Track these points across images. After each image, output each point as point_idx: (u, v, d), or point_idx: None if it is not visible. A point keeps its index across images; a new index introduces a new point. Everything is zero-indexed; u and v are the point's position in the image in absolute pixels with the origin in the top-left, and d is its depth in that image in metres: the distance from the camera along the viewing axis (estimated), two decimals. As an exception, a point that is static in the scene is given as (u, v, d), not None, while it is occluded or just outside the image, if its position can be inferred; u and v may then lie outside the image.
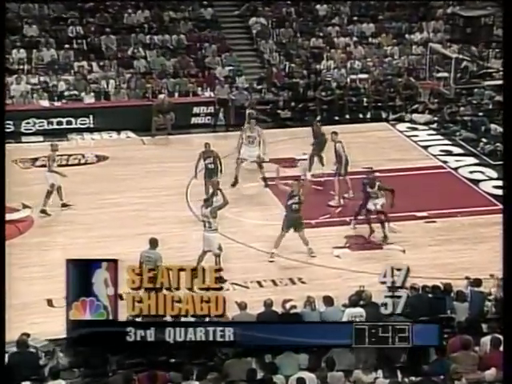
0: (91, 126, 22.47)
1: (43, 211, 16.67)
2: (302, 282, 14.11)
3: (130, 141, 21.81)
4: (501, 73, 21.93)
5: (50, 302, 13.20)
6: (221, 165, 17.23)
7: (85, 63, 24.19)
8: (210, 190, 15.58)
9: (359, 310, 11.62)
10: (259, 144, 18.11)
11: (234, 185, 17.90)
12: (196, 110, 23.13)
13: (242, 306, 11.76)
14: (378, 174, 17.09)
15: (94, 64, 24.30)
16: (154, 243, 13.01)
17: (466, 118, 22.92)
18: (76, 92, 23.16)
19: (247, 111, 21.73)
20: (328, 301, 11.83)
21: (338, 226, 16.15)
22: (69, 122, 22.23)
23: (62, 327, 10.33)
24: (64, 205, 16.94)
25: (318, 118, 19.55)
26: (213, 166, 17.03)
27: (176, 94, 23.64)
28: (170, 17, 26.33)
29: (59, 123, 22.07)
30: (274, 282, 14.11)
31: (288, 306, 12.04)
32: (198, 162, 17.07)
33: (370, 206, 15.43)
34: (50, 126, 22.04)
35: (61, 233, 15.93)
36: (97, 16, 25.76)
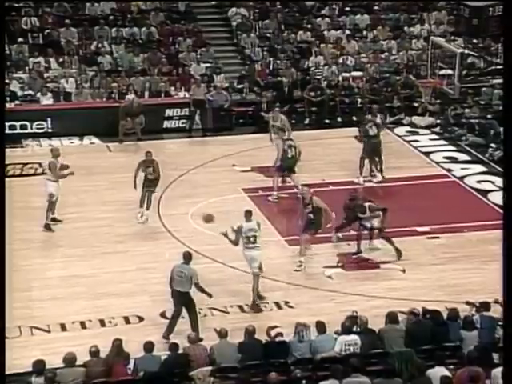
0: (49, 130, 22.46)
1: (47, 226, 16.72)
2: (290, 307, 14.13)
3: (94, 147, 21.80)
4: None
5: None
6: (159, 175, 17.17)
7: (41, 59, 24.19)
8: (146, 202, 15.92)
9: (353, 338, 11.67)
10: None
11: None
12: (169, 112, 23.19)
13: (222, 334, 11.78)
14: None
15: (52, 60, 24.30)
16: (187, 257, 13.08)
17: (472, 120, 23.12)
18: (31, 92, 23.16)
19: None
20: (320, 327, 11.87)
21: (330, 242, 16.20)
22: (23, 127, 22.20)
23: None
24: (54, 219, 16.96)
25: (369, 117, 19.78)
26: (152, 177, 16.99)
27: (146, 95, 23.69)
28: (139, 7, 26.41)
29: (12, 127, 21.96)
30: (257, 306, 14.11)
31: (273, 333, 12.05)
32: (137, 171, 17.05)
33: (366, 223, 15.58)
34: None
35: (13, 253, 15.81)
36: (55, 6, 25.79)
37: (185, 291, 12.89)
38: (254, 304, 14.01)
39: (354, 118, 23.22)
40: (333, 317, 12.86)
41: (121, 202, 18.03)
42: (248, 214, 14.16)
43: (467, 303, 12.75)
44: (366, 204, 15.65)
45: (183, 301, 12.98)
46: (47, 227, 16.75)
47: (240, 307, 14.02)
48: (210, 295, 13.04)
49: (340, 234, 16.12)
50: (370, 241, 15.84)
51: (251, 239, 13.98)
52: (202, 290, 12.97)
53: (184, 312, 13.04)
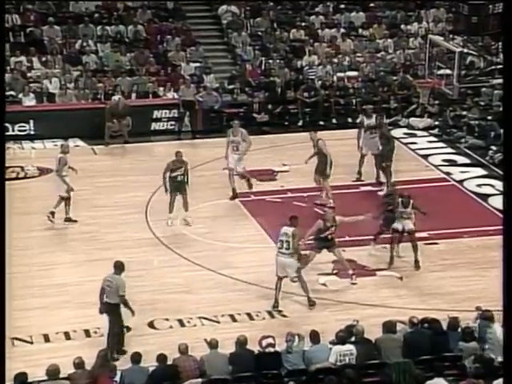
0: (32, 132, 22.44)
1: (68, 219, 17.15)
2: (283, 316, 14.15)
3: (79, 150, 21.73)
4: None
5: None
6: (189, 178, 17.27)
7: (23, 59, 24.15)
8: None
9: (349, 348, 11.68)
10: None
11: (233, 198, 18.06)
12: (157, 113, 23.19)
13: (213, 345, 11.77)
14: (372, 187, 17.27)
15: (35, 60, 24.28)
16: (118, 267, 12.92)
17: (472, 122, 23.18)
18: (13, 93, 23.11)
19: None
20: (314, 337, 11.87)
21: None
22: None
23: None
24: (68, 219, 17.27)
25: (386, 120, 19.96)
26: (182, 178, 17.02)
27: (133, 96, 23.68)
28: (126, 5, 26.40)
29: (-7, 130, 21.97)
30: (249, 315, 14.13)
31: (264, 343, 12.05)
32: (166, 173, 17.06)
33: (398, 226, 15.55)
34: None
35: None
36: (37, 3, 25.76)
37: (112, 302, 12.67)
38: (310, 301, 14.24)
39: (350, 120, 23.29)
40: (327, 326, 12.91)
41: (107, 207, 18.02)
42: (293, 220, 14.23)
43: (477, 309, 12.72)
44: (411, 201, 15.57)
45: (107, 311, 12.72)
46: (69, 220, 17.25)
47: (231, 316, 14.01)
48: (132, 312, 12.75)
49: (376, 246, 16.02)
50: (397, 245, 15.73)
51: (284, 244, 14.06)
52: (125, 304, 12.65)
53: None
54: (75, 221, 17.27)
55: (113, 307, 12.70)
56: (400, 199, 15.67)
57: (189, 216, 17.13)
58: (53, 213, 17.14)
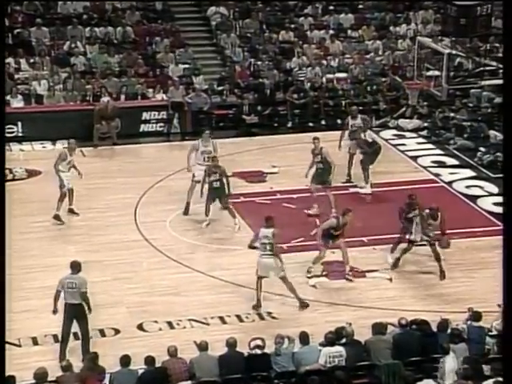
0: (20, 134, 22.36)
1: (56, 217, 17.16)
2: (273, 318, 14.13)
3: (67, 152, 21.68)
4: (501, 71, 22.24)
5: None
6: (228, 183, 17.02)
7: (11, 60, 24.07)
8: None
9: (338, 349, 11.67)
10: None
11: (186, 213, 17.73)
12: (146, 115, 23.15)
13: (202, 347, 11.75)
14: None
15: (23, 61, 24.20)
16: (76, 267, 12.82)
17: (461, 123, 23.24)
18: (1, 94, 23.06)
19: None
20: (304, 338, 11.87)
21: (314, 250, 16.21)
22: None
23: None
24: (71, 210, 17.49)
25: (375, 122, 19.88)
26: (218, 185, 16.79)
27: (122, 97, 23.64)
28: (114, 6, 26.35)
29: (-19, 132, 21.89)
30: (238, 317, 14.11)
31: (252, 345, 12.04)
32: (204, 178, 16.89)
33: (417, 237, 15.38)
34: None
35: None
36: (25, 4, 25.65)
37: (77, 303, 12.58)
38: (301, 302, 14.23)
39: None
40: (317, 327, 12.89)
41: (96, 209, 17.97)
42: (269, 220, 14.24)
43: (469, 310, 12.74)
44: (429, 211, 15.37)
45: (75, 314, 12.64)
46: (57, 218, 17.21)
47: (221, 318, 13.99)
48: (90, 309, 12.66)
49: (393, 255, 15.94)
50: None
51: (267, 247, 14.07)
52: (86, 301, 12.57)
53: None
54: (77, 214, 17.53)
55: (78, 308, 12.58)
56: (428, 211, 15.41)
57: (236, 223, 16.87)
58: (71, 210, 17.49)
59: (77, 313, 12.63)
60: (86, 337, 12.70)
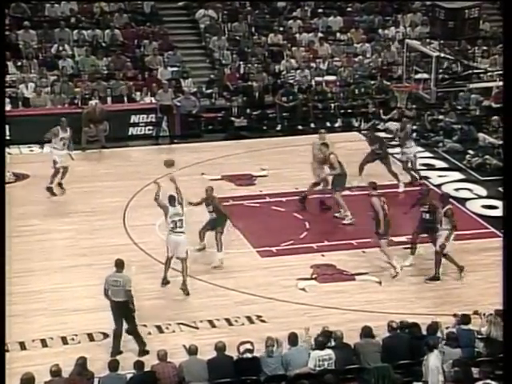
0: (7, 138, 22.23)
1: (49, 189, 18.24)
2: (262, 321, 14.12)
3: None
4: (489, 74, 22.32)
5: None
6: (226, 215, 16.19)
7: (-1, 63, 24.03)
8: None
9: (327, 353, 11.67)
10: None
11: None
12: (134, 118, 23.12)
13: (192, 351, 11.72)
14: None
15: (10, 64, 24.10)
16: (120, 265, 12.98)
17: (449, 126, 23.28)
18: (-12, 98, 22.97)
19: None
20: (292, 339, 11.85)
21: (303, 253, 16.21)
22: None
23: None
24: (60, 185, 18.43)
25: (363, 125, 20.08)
26: (214, 216, 16.01)
27: (110, 100, 23.59)
28: (102, 9, 26.31)
29: (-32, 135, 21.79)
30: (228, 320, 14.10)
31: (242, 349, 12.02)
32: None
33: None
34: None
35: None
36: (12, 6, 25.54)
37: (122, 300, 12.73)
38: (184, 284, 14.58)
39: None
40: (307, 331, 12.87)
41: (84, 212, 17.94)
42: (172, 199, 14.54)
43: (454, 316, 12.75)
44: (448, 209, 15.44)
45: (121, 312, 12.79)
46: (49, 190, 18.36)
47: (210, 322, 13.97)
48: (133, 307, 12.83)
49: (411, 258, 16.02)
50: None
51: (178, 223, 14.45)
52: (130, 299, 12.73)
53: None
54: (53, 192, 18.42)
55: (123, 305, 12.72)
56: (448, 208, 15.44)
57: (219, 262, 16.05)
58: (60, 184, 18.47)
59: (122, 310, 12.75)
60: (136, 333, 12.87)
